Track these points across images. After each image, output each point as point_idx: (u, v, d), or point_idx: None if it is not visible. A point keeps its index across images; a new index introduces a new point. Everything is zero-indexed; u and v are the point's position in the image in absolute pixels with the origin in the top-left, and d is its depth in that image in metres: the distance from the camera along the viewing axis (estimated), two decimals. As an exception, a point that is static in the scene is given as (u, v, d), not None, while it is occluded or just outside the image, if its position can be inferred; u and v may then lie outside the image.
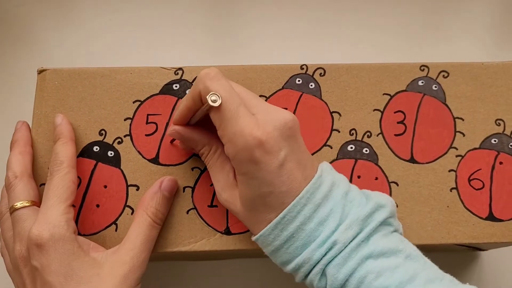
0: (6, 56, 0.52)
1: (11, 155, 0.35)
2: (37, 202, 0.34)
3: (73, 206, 0.34)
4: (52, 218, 0.31)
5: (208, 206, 0.36)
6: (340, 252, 0.29)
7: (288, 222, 0.29)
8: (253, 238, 0.32)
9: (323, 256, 0.29)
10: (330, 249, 0.29)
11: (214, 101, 0.28)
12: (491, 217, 0.36)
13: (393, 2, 0.56)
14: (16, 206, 0.33)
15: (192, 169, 0.36)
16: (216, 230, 0.35)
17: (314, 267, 0.29)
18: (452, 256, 0.47)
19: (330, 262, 0.29)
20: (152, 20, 0.54)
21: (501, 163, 0.37)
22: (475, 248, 0.45)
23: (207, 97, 0.28)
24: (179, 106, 0.33)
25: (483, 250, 0.46)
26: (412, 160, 0.37)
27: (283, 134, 0.29)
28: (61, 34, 0.53)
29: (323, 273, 0.29)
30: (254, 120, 0.29)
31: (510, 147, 0.37)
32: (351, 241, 0.29)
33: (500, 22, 0.55)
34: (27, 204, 0.33)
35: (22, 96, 0.51)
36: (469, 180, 0.37)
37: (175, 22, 0.54)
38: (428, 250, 0.40)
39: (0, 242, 0.35)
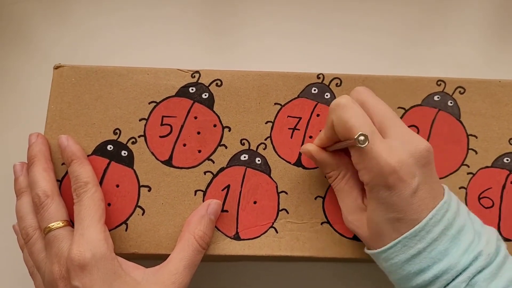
0: (1, 54, 0.52)
1: (35, 172, 0.34)
2: (69, 222, 0.34)
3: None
4: (91, 238, 0.31)
5: (219, 210, 0.36)
6: (488, 266, 0.29)
7: (434, 224, 0.29)
8: (379, 250, 0.31)
9: (470, 265, 0.29)
10: (476, 258, 0.29)
11: (362, 142, 0.29)
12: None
13: (388, 3, 0.56)
14: (52, 227, 0.32)
15: (205, 173, 0.37)
16: (226, 235, 0.36)
17: (460, 274, 0.29)
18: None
19: (478, 273, 0.28)
20: (150, 19, 0.54)
21: (512, 183, 0.37)
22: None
23: (355, 137, 0.29)
24: (320, 133, 0.34)
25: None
26: (423, 175, 0.37)
27: (418, 162, 0.29)
28: (58, 32, 0.53)
29: (469, 283, 0.28)
30: (388, 147, 0.29)
31: (522, 167, 0.37)
32: (495, 258, 0.29)
33: (496, 22, 0.55)
34: (62, 224, 0.33)
35: (19, 94, 0.51)
36: (479, 198, 0.37)
37: (173, 21, 0.54)
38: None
39: (28, 263, 0.35)
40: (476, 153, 0.38)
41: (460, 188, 0.37)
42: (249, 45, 0.53)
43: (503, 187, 0.37)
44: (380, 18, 0.55)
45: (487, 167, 0.37)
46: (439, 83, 0.39)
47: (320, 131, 0.36)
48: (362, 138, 0.28)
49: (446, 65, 0.53)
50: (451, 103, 0.38)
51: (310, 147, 0.35)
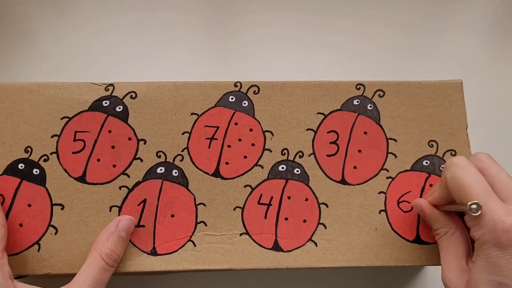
0: (2, 55, 0.51)
1: None
2: None
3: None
4: None
5: (135, 226, 0.35)
6: None
7: None
8: None
9: None
10: None
11: (475, 211, 0.29)
12: (418, 240, 0.36)
13: (385, 7, 0.56)
14: None
15: (120, 188, 0.36)
16: (142, 251, 0.35)
17: None
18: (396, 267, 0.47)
19: None
20: (151, 22, 0.54)
21: (431, 185, 0.37)
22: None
23: (468, 205, 0.29)
24: (433, 189, 0.34)
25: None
26: (343, 181, 0.37)
27: None
28: (58, 33, 0.53)
29: None
30: (505, 208, 0.29)
31: (441, 169, 0.37)
32: None
33: (495, 23, 0.56)
34: None
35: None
36: (398, 203, 0.36)
37: (173, 23, 0.54)
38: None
39: None
40: (396, 157, 0.37)
41: (379, 193, 0.37)
42: (247, 51, 0.53)
43: (422, 190, 0.37)
44: (376, 23, 0.55)
45: (406, 170, 0.37)
46: (358, 86, 0.38)
47: (431, 185, 0.37)
48: (474, 206, 0.29)
49: (446, 66, 0.53)
50: (370, 106, 0.38)
51: (422, 202, 0.34)
